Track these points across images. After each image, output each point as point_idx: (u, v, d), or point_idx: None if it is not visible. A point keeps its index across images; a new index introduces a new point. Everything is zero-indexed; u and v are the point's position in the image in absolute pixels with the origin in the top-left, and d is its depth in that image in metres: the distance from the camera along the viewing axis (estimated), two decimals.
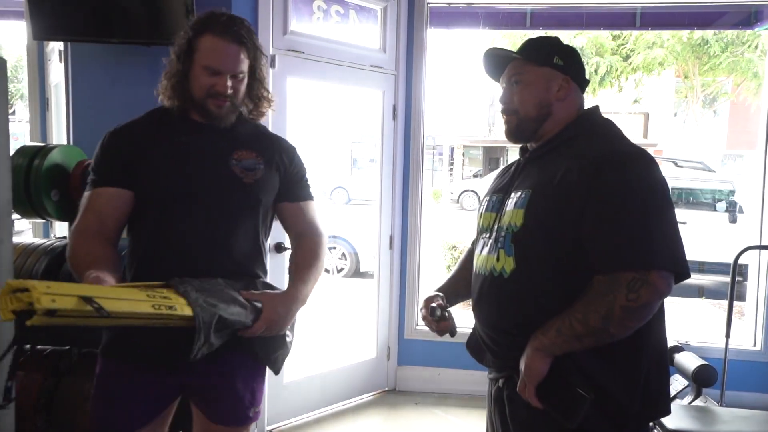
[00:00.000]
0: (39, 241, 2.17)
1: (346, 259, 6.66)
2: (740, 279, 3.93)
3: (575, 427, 1.15)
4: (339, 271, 6.66)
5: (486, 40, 11.53)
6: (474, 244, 1.52)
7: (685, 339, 3.15)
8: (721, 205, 6.34)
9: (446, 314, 1.42)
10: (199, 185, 1.40)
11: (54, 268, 1.98)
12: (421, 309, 1.48)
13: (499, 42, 9.94)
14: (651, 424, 2.32)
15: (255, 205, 1.44)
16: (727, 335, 2.95)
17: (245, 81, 1.43)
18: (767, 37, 9.28)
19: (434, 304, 1.42)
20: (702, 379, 2.59)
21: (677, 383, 2.94)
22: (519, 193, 1.26)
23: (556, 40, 1.36)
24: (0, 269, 1.46)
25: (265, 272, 1.54)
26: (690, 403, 2.71)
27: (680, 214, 6.89)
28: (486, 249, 1.32)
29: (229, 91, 1.38)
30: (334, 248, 6.65)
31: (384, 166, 3.24)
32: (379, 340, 3.31)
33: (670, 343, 2.91)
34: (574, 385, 1.15)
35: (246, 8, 2.57)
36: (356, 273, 6.55)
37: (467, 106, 16.72)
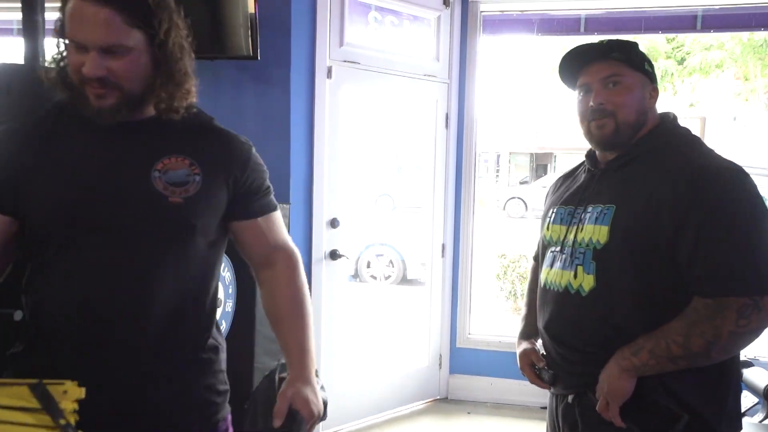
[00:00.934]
0: None
1: (393, 266, 6.69)
2: None
3: None
4: (387, 278, 6.69)
5: (538, 46, 11.39)
6: (537, 259, 1.50)
7: (754, 354, 3.00)
8: None
9: (551, 374, 1.33)
10: (102, 210, 1.00)
11: None
12: (521, 368, 1.43)
13: (551, 48, 9.78)
14: None
15: (186, 233, 1.04)
16: None
17: (137, 59, 0.99)
18: None
19: (540, 366, 1.35)
20: None
21: (746, 400, 2.80)
22: (599, 208, 1.22)
23: (638, 46, 1.28)
24: None
25: (219, 331, 1.19)
26: (761, 421, 2.58)
27: None
28: (558, 263, 1.28)
29: (97, 73, 0.96)
30: (382, 255, 6.69)
31: (436, 174, 3.24)
32: (431, 348, 3.31)
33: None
34: (663, 404, 1.13)
35: (304, 20, 2.64)
36: (403, 280, 6.56)
37: (514, 112, 16.52)
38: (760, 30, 3.55)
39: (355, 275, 6.75)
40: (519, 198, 14.24)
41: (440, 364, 3.33)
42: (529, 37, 3.48)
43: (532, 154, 18.70)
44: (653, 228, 1.13)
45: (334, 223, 2.83)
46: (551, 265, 1.31)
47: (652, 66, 1.27)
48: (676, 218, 1.10)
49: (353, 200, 3.36)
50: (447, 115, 3.23)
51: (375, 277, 6.72)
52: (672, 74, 11.99)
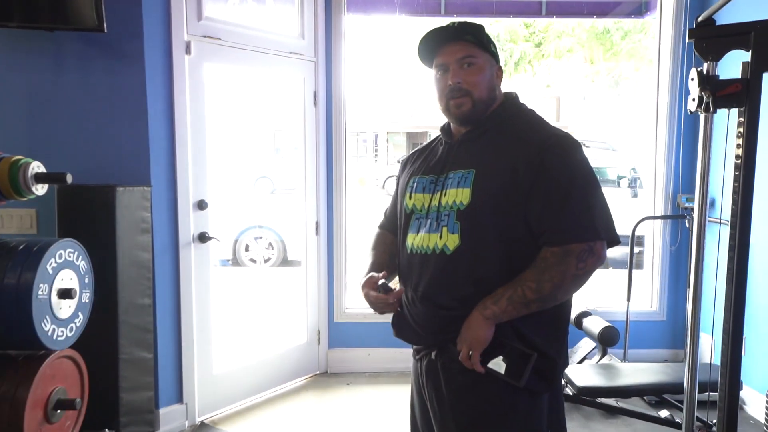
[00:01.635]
0: None
1: (273, 249, 6.61)
2: (642, 249, 4.30)
3: (522, 386, 1.25)
4: (266, 260, 6.60)
5: (405, 28, 11.65)
6: (383, 227, 1.60)
7: (593, 306, 3.43)
8: (624, 182, 6.85)
9: (390, 287, 1.39)
10: None
11: None
12: (367, 293, 1.41)
13: (416, 29, 10.08)
14: (564, 382, 2.54)
15: None
16: (628, 299, 3.25)
17: None
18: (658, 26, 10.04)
19: (380, 281, 1.38)
20: (606, 340, 2.84)
21: (586, 345, 3.21)
22: (460, 173, 1.32)
23: (485, 28, 1.38)
24: None
25: None
26: (598, 362, 2.97)
27: None
28: (424, 228, 1.35)
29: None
30: (261, 238, 6.58)
31: (307, 152, 3.26)
32: (308, 325, 3.36)
33: (579, 309, 3.17)
34: (517, 347, 1.26)
35: None
36: (284, 262, 6.52)
37: (390, 93, 16.86)
38: (593, 17, 3.98)
39: (234, 259, 6.59)
40: (396, 176, 14.65)
41: (319, 340, 3.40)
42: (394, 17, 3.57)
43: (408, 134, 19.27)
44: (510, 188, 1.26)
45: (201, 205, 2.75)
46: (417, 231, 1.38)
47: (495, 47, 1.40)
48: (528, 181, 1.25)
49: (227, 182, 3.26)
50: (315, 93, 3.24)
51: (254, 261, 6.60)
52: (530, 57, 12.95)
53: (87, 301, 2.15)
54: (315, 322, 3.38)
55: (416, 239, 1.37)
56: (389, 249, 1.55)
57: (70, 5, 2.24)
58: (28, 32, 2.34)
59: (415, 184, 1.43)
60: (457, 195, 1.30)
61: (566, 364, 1.39)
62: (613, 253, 6.83)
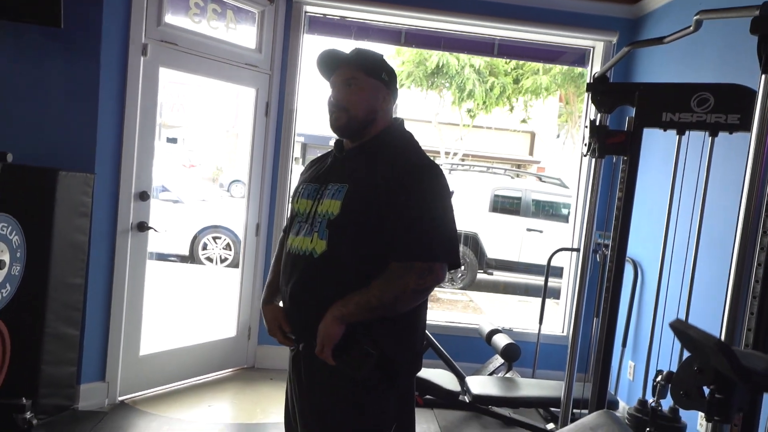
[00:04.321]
0: None
1: (231, 250, 6.76)
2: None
3: (360, 378, 1.42)
4: (223, 261, 6.74)
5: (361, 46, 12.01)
6: (286, 230, 1.75)
7: (509, 326, 3.66)
8: (571, 217, 7.17)
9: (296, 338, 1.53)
10: None
11: None
12: (270, 331, 1.57)
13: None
14: (462, 389, 2.75)
15: None
16: (540, 321, 3.50)
17: None
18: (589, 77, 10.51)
19: (288, 330, 1.53)
20: (508, 355, 3.07)
21: (496, 361, 3.43)
22: (336, 186, 1.46)
23: (383, 58, 1.55)
24: None
25: None
26: (504, 375, 3.19)
27: (539, 223, 7.53)
28: (302, 232, 1.49)
29: None
30: (219, 238, 6.72)
31: (254, 158, 3.46)
32: (240, 320, 3.53)
33: (490, 327, 3.40)
34: (363, 345, 1.43)
35: None
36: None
37: None
38: (540, 62, 4.29)
39: (191, 256, 6.71)
40: None
41: (249, 335, 3.56)
42: (350, 42, 3.83)
43: None
44: (372, 206, 1.44)
45: (143, 196, 2.93)
46: (297, 234, 1.55)
47: (390, 76, 1.59)
48: (388, 200, 1.42)
49: (187, 179, 3.42)
50: (267, 103, 3.46)
51: (211, 260, 6.74)
52: (509, 92, 13.38)
53: (16, 273, 2.31)
54: (247, 318, 3.55)
55: (295, 241, 1.51)
56: None
57: (33, 2, 2.43)
58: None
59: (303, 190, 1.57)
60: (331, 205, 1.44)
61: (414, 369, 1.56)
62: (538, 281, 7.16)
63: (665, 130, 2.20)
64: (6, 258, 2.23)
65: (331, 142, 1.68)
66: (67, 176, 2.58)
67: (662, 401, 2.33)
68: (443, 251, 1.41)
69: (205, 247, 6.73)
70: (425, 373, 2.82)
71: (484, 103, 11.67)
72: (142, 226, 2.94)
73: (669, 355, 2.55)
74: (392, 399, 1.50)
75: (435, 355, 3.18)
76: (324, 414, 1.48)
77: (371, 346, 1.43)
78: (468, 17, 3.61)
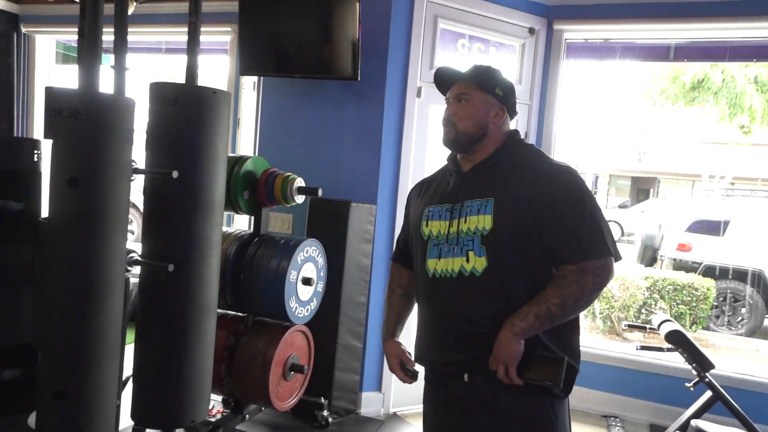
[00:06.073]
0: (229, 229, 2.79)
1: None
2: None
3: (560, 389, 1.40)
4: None
5: (630, 71, 11.10)
6: (397, 260, 1.78)
7: None
8: None
9: (416, 371, 1.63)
10: None
11: (242, 252, 2.55)
12: (391, 367, 1.67)
13: (643, 73, 9.56)
14: None
15: None
16: None
17: None
18: None
19: (409, 366, 1.63)
20: None
21: None
22: (478, 202, 1.45)
23: (499, 73, 1.56)
24: (212, 243, 2.02)
25: None
26: None
27: None
28: (447, 253, 1.47)
29: None
30: None
31: None
32: None
33: None
34: (547, 354, 1.40)
35: (400, 45, 3.07)
36: None
37: (616, 136, 16.03)
38: None
39: None
40: (615, 221, 13.79)
41: None
42: (614, 63, 3.64)
43: (633, 178, 17.97)
44: (524, 214, 1.41)
45: None
46: (439, 256, 1.49)
47: (506, 91, 1.56)
48: (541, 207, 1.39)
49: None
50: (526, 134, 3.49)
51: None
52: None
53: (320, 290, 2.72)
54: None
55: (439, 264, 1.49)
56: (405, 290, 1.74)
57: (336, 60, 2.90)
58: (305, 81, 3.09)
59: (431, 213, 1.55)
60: (479, 221, 1.43)
61: (577, 371, 1.49)
62: None
63: None
64: (314, 276, 2.64)
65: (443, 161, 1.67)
66: (356, 207, 2.98)
67: None
68: (611, 245, 1.40)
69: None
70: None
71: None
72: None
73: None
74: (567, 403, 1.50)
75: (720, 411, 2.73)
76: None
77: (552, 353, 1.40)
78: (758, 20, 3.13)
